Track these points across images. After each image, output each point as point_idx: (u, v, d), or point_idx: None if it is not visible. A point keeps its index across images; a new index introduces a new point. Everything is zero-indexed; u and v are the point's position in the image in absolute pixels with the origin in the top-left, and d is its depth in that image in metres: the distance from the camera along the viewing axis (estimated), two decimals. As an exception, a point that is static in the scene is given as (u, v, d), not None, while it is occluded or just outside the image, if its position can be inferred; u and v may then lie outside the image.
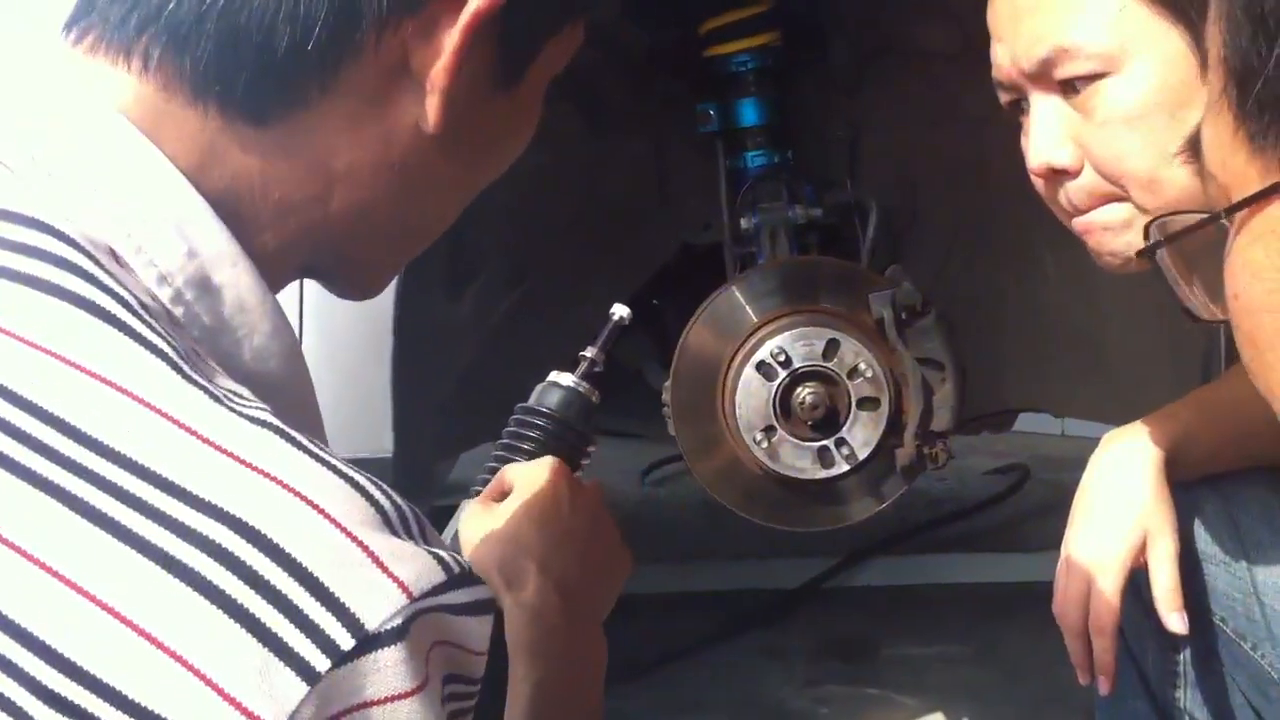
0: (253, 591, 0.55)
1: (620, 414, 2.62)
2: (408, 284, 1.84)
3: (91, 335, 0.61)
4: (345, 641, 0.55)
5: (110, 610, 0.55)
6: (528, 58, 0.77)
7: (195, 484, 0.57)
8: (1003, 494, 3.27)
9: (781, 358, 1.79)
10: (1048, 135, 1.20)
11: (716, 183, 2.03)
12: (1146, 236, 0.78)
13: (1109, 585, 1.31)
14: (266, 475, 0.58)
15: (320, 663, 0.55)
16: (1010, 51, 1.21)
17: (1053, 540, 1.40)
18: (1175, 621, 1.29)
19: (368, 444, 1.77)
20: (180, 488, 0.57)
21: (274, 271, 0.73)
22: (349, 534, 0.57)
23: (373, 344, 1.82)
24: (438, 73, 0.72)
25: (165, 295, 0.67)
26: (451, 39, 0.72)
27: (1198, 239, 0.69)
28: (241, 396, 0.62)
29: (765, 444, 1.80)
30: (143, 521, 0.56)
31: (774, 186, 2.00)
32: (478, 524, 1.09)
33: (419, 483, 1.93)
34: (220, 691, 0.54)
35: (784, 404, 1.80)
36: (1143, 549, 1.31)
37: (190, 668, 0.54)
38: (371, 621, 0.56)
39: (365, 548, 0.57)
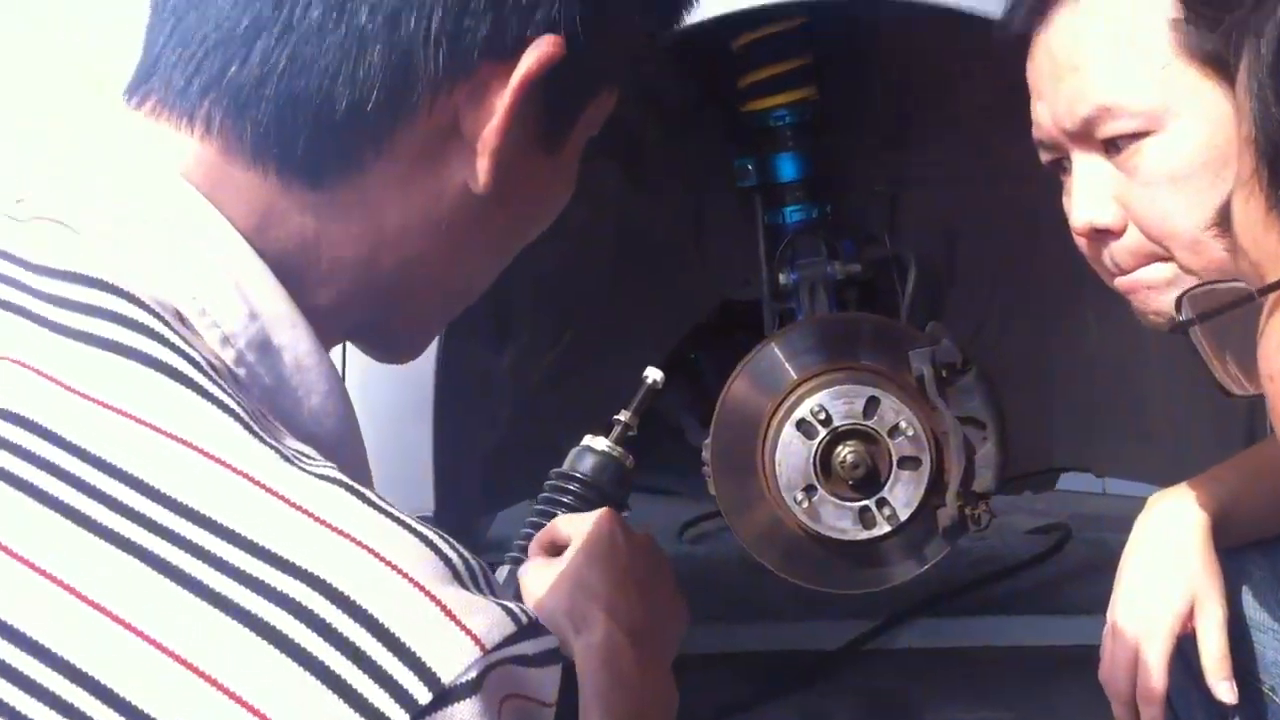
0: (330, 646, 0.56)
1: (657, 470, 2.61)
2: (449, 341, 1.85)
3: (165, 395, 0.62)
4: (423, 696, 0.56)
5: (190, 666, 0.55)
6: (572, 120, 0.78)
7: (271, 540, 0.58)
8: (1045, 554, 3.22)
9: (822, 416, 1.78)
10: (1090, 195, 1.19)
11: (755, 238, 2.03)
12: (1178, 310, 0.77)
13: (1157, 653, 1.28)
14: (339, 531, 0.59)
15: (399, 717, 0.55)
16: (1051, 109, 1.20)
17: (1096, 602, 1.38)
18: (1224, 691, 1.27)
19: (409, 502, 1.76)
20: (256, 544, 0.58)
21: (324, 331, 0.74)
22: (421, 588, 0.58)
23: (414, 402, 1.82)
24: (490, 134, 0.73)
25: (229, 357, 0.68)
26: (503, 101, 0.73)
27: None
28: (309, 457, 0.63)
29: (805, 504, 1.79)
30: (220, 578, 0.57)
31: (813, 241, 1.99)
32: (539, 575, 1.09)
33: (459, 540, 1.92)
34: None
35: (824, 463, 1.79)
36: (1190, 615, 1.29)
37: None
38: (447, 675, 0.57)
39: (438, 601, 0.58)
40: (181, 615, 0.56)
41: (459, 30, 0.71)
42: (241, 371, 0.68)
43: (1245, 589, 1.35)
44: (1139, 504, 1.38)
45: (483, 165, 0.74)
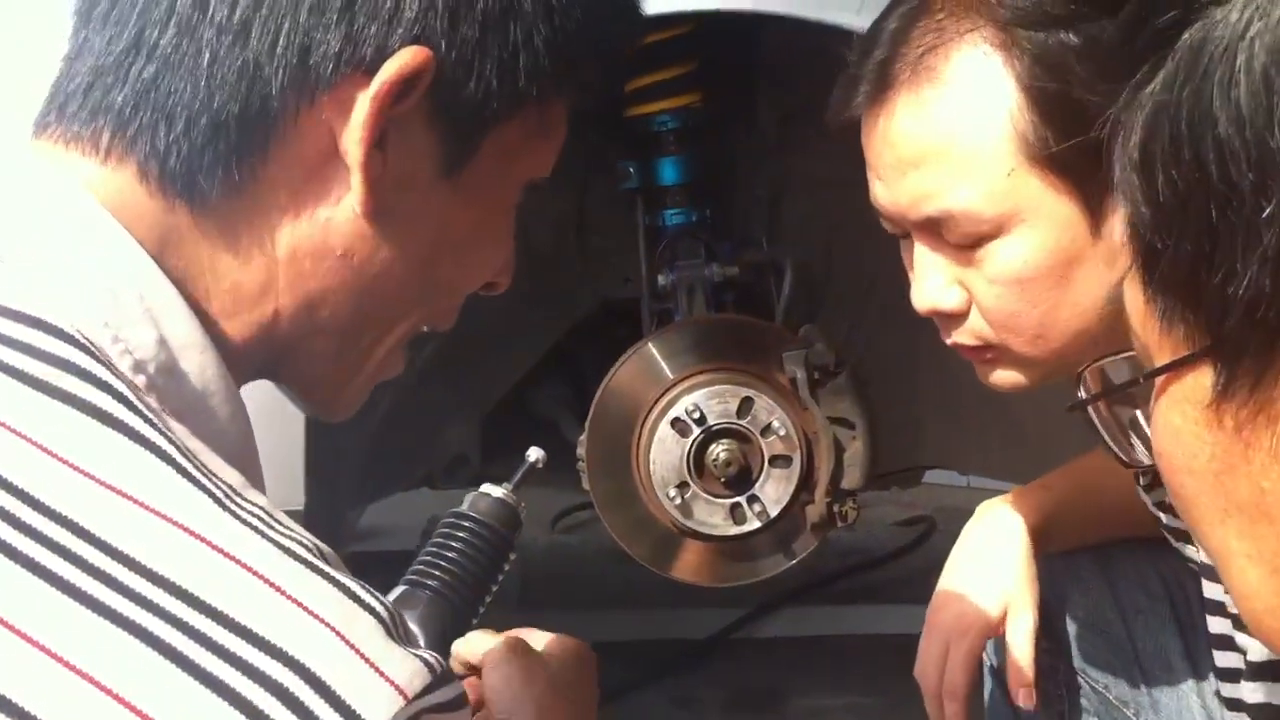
0: (266, 693, 0.58)
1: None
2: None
3: (96, 439, 0.63)
4: None
5: (116, 696, 0.57)
6: (469, 144, 0.78)
7: (201, 590, 0.60)
8: (909, 545, 3.31)
9: (696, 415, 1.81)
10: (932, 279, 1.18)
11: (636, 239, 2.05)
12: (1077, 385, 0.82)
13: (963, 653, 1.33)
14: (270, 584, 0.61)
15: None
16: (893, 198, 1.17)
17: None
18: (1023, 696, 1.31)
19: (279, 496, 1.76)
20: (189, 593, 0.60)
21: (234, 366, 0.75)
22: (348, 641, 0.61)
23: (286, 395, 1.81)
24: (352, 144, 0.73)
25: (141, 382, 0.68)
26: (362, 110, 0.73)
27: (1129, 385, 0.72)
28: (237, 493, 0.65)
29: (678, 500, 1.82)
30: (169, 630, 0.59)
31: (692, 244, 2.02)
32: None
33: (331, 533, 1.91)
34: None
35: (698, 461, 1.82)
36: (1002, 621, 1.33)
37: None
38: None
39: (365, 657, 0.61)
40: (105, 647, 0.58)
41: (308, 43, 0.72)
42: (153, 397, 0.68)
43: (1077, 590, 1.41)
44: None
45: (355, 181, 0.74)
